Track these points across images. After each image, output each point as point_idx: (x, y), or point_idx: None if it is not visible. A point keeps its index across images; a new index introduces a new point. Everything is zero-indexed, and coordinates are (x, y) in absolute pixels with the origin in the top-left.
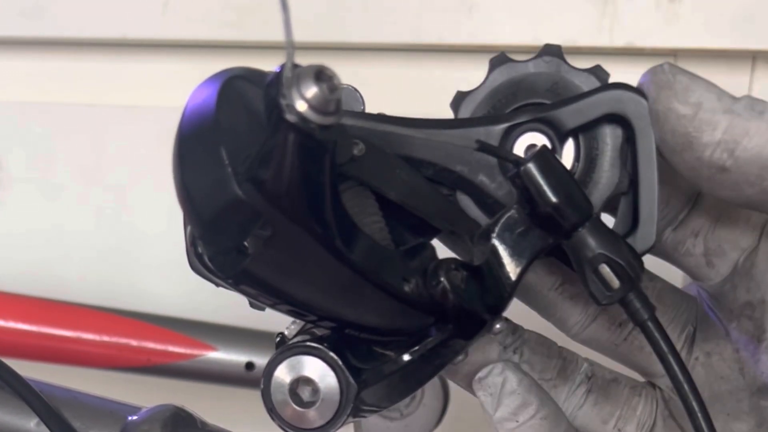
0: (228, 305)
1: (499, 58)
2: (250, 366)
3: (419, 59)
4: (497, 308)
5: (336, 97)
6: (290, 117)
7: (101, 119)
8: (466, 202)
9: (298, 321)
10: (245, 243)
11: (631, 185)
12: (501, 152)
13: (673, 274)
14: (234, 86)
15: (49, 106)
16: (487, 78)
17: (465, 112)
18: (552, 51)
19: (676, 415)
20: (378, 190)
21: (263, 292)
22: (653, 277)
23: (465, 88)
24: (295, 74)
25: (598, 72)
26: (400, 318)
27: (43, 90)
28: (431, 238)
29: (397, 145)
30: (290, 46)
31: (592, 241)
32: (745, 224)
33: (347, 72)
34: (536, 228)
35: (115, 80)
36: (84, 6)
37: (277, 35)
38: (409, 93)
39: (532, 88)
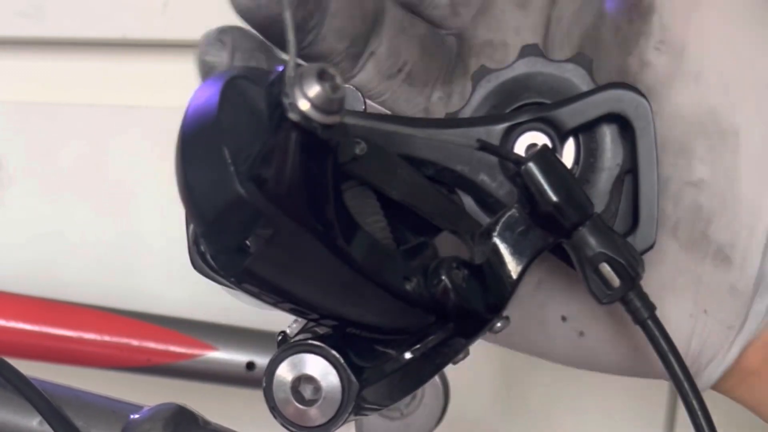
0: (228, 305)
1: (480, 71)
2: (250, 366)
3: None
4: (498, 307)
5: (339, 96)
6: (293, 116)
7: (101, 119)
8: (467, 201)
9: (299, 320)
10: (247, 242)
11: (634, 165)
12: (502, 151)
13: None
14: (236, 86)
15: (49, 106)
16: (472, 93)
17: None
18: (530, 51)
19: None
20: (379, 189)
21: (265, 290)
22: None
23: None
24: (298, 73)
25: (580, 59)
26: (402, 317)
27: (43, 90)
28: (432, 237)
29: (399, 145)
30: (293, 46)
31: (592, 240)
32: None
33: None
34: (537, 227)
35: (115, 80)
36: (84, 6)
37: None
38: None
39: (520, 91)
